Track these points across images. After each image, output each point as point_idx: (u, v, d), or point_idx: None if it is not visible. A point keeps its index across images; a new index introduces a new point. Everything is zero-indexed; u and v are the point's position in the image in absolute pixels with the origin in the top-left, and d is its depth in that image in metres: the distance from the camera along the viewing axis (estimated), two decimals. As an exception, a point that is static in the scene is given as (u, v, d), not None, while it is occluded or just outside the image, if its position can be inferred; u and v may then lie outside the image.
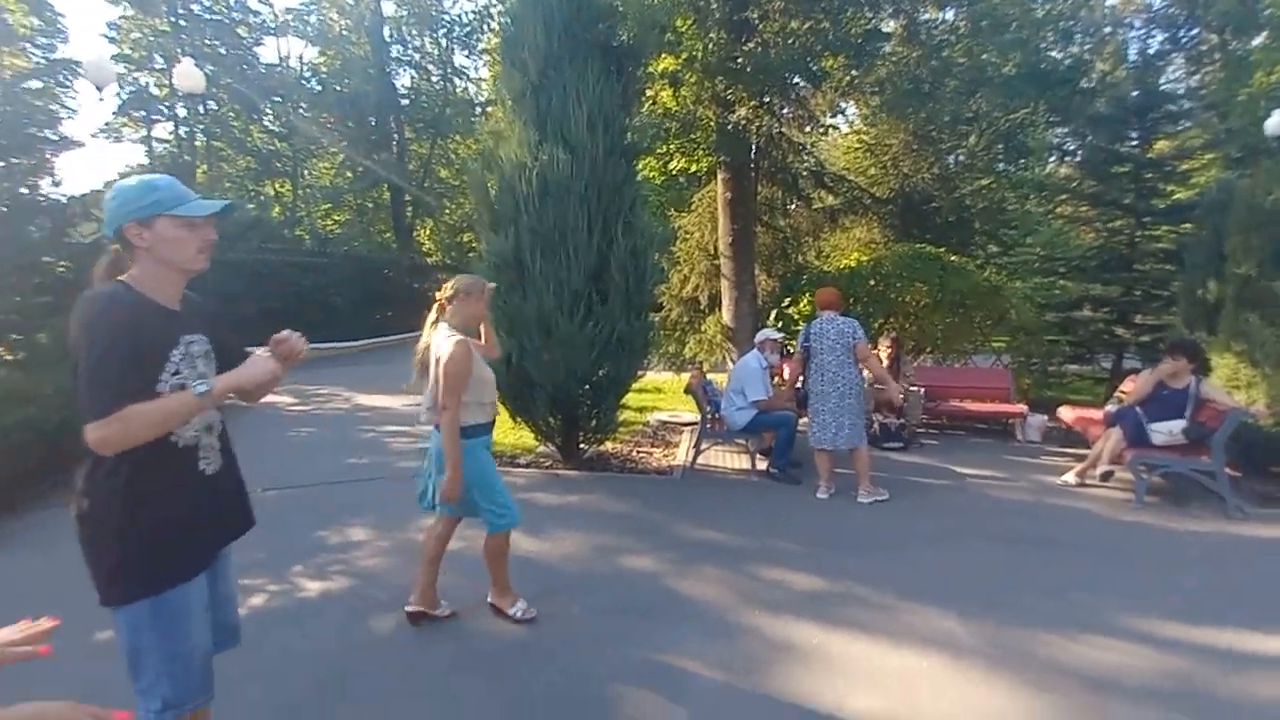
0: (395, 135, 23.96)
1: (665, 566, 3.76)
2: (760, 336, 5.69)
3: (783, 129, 8.55)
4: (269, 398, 7.78)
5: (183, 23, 22.33)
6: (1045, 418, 6.78)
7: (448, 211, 27.19)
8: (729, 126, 7.05)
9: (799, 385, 5.59)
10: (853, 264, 8.18)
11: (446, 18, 23.71)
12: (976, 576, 3.64)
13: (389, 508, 4.63)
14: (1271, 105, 14.67)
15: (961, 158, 11.22)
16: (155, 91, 22.43)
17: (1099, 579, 3.66)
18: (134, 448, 1.42)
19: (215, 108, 22.52)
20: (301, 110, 24.09)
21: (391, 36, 23.37)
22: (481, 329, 3.19)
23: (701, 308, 9.13)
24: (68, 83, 17.34)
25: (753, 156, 7.68)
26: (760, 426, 5.46)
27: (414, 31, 23.89)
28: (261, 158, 24.71)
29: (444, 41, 24.27)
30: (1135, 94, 9.10)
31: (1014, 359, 8.12)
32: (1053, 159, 19.17)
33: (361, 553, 3.93)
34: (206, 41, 22.23)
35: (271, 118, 24.37)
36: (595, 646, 2.90)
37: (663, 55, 6.78)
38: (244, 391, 1.62)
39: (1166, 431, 4.77)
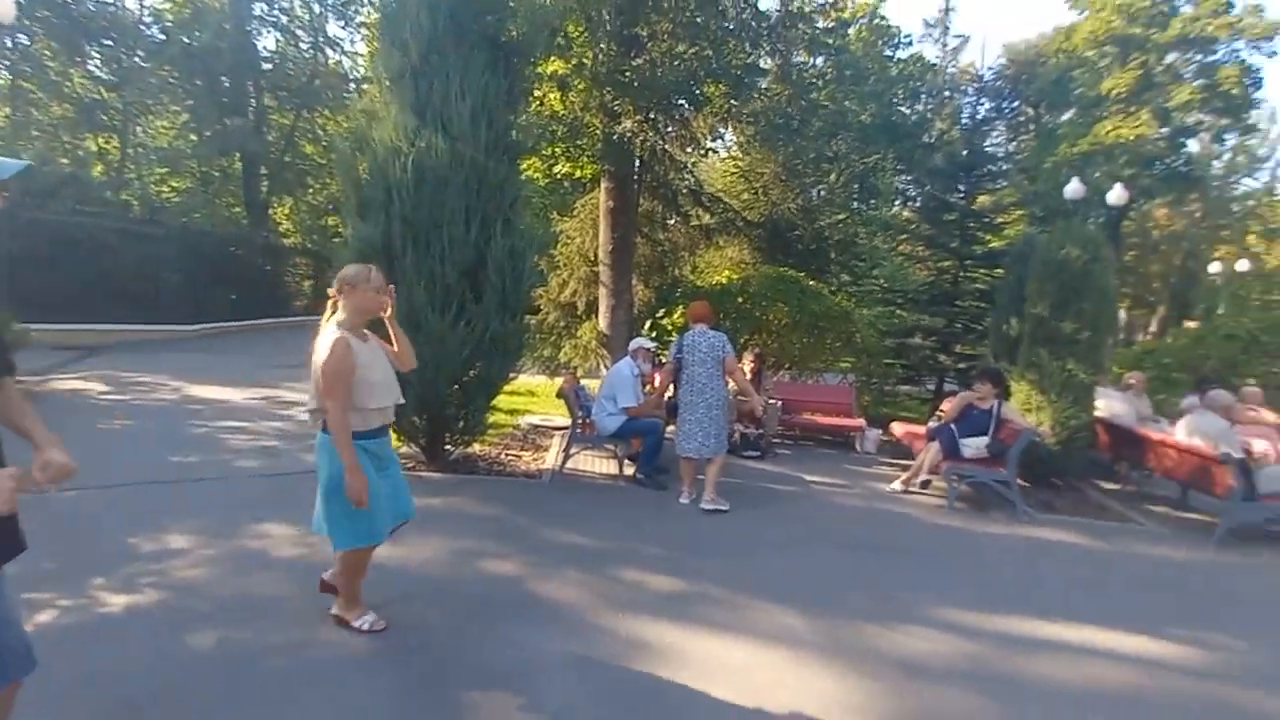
0: (253, 100, 21.71)
1: (527, 570, 3.73)
2: (634, 345, 5.83)
3: (666, 146, 8.84)
4: (75, 384, 6.74)
5: (-18, -65, 18.78)
6: (880, 432, 7.57)
7: (311, 191, 25.06)
8: (615, 137, 7.18)
9: (669, 394, 5.80)
10: (724, 281, 8.64)
11: (321, -18, 21.94)
12: (817, 576, 3.98)
13: (217, 511, 4.18)
14: (1072, 173, 17.53)
15: (823, 192, 12.28)
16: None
17: (916, 575, 4.14)
18: None
19: (27, 42, 19.12)
20: (138, 59, 21.09)
21: (254, -8, 21.20)
22: (391, 333, 2.92)
23: (579, 313, 9.17)
24: None
25: (636, 169, 7.87)
26: (629, 433, 5.58)
27: (282, -9, 21.85)
28: (83, 107, 21.22)
29: (316, 7, 22.41)
30: (965, 152, 10.49)
31: (857, 378, 8.98)
32: (897, 202, 21.54)
33: (181, 562, 3.50)
34: (14, -38, 18.83)
35: (99, 63, 21.09)
36: (450, 652, 2.81)
37: (552, 58, 6.77)
38: None
39: (974, 446, 5.52)
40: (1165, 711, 2.82)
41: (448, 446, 5.55)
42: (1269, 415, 7.25)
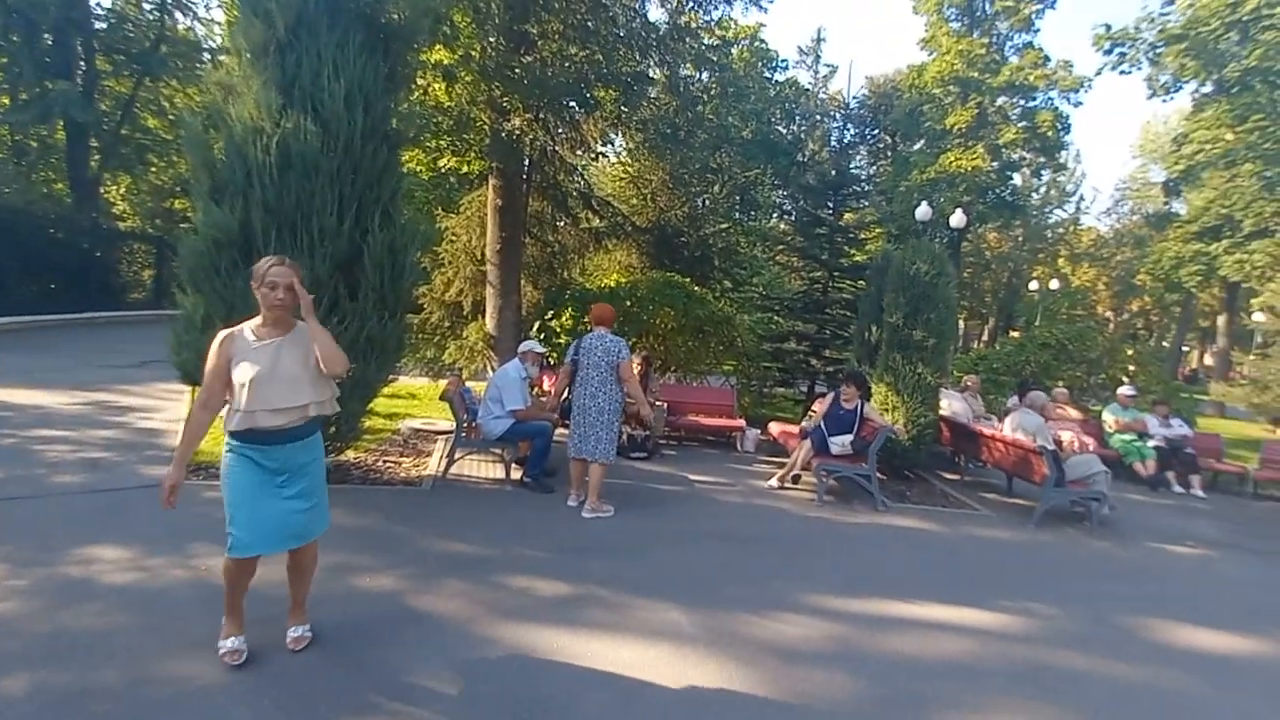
0: (83, 63, 18.90)
1: (405, 584, 3.54)
2: (524, 347, 5.72)
3: (556, 147, 8.79)
4: None
5: None
6: (759, 432, 7.99)
7: (154, 170, 22.28)
8: (503, 134, 7.03)
9: (564, 396, 5.74)
10: (612, 284, 8.71)
11: (168, -63, 19.58)
12: (700, 572, 4.11)
13: (29, 535, 3.60)
14: (921, 197, 19.48)
15: (707, 202, 12.78)
16: None
17: (789, 566, 4.41)
18: None
19: None
20: (-77, -1, 17.68)
21: (83, -62, 18.49)
22: (310, 332, 2.64)
23: (464, 313, 8.86)
24: None
25: (526, 168, 7.75)
26: (517, 436, 5.47)
27: (119, -59, 19.27)
28: None
29: (162, -36, 19.98)
30: (833, 172, 11.35)
31: (738, 380, 9.41)
32: (774, 215, 22.92)
33: (-21, 594, 2.98)
34: None
35: None
36: (319, 680, 2.60)
37: (437, 46, 6.50)
38: None
39: (840, 444, 5.98)
40: (1000, 676, 3.21)
41: (316, 454, 5.13)
42: (1074, 412, 8.51)
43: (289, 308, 2.64)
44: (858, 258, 10.99)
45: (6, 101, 18.46)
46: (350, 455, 5.72)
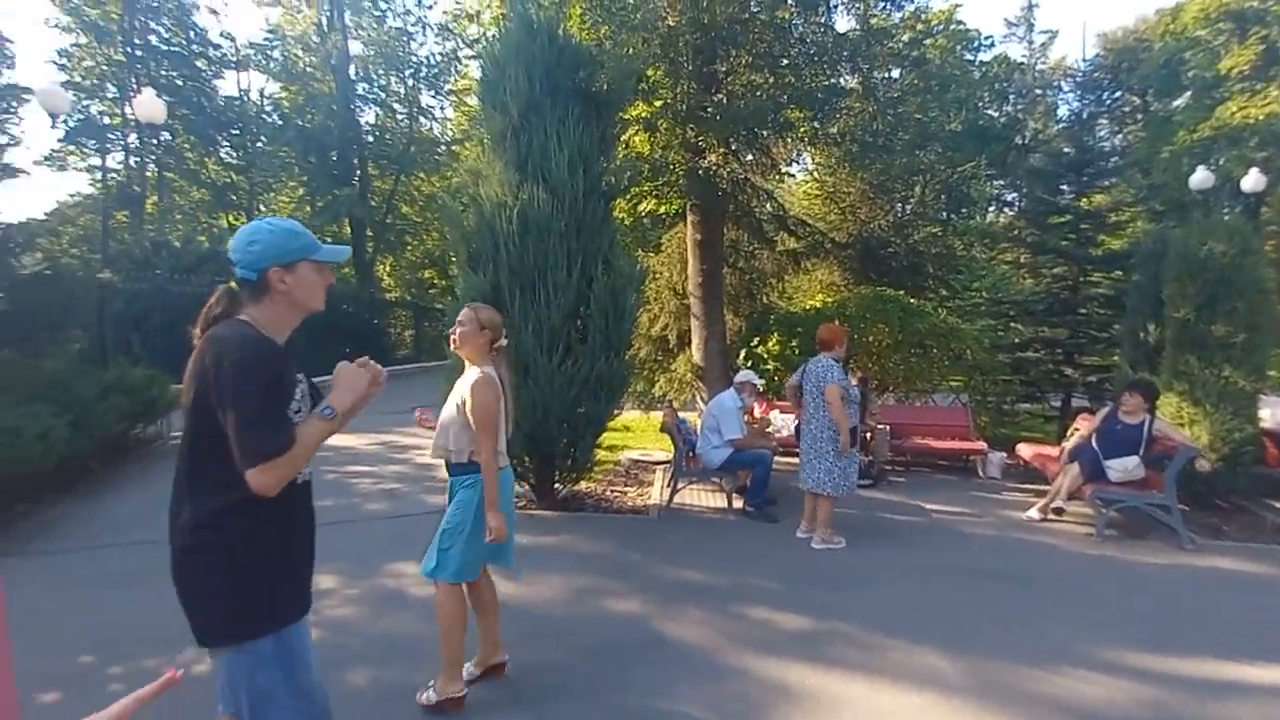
0: (358, 171, 23.78)
1: (648, 608, 3.70)
2: (741, 378, 5.73)
3: (748, 175, 8.88)
4: None
5: (139, 53, 21.91)
6: (1004, 455, 7.04)
7: (409, 248, 26.94)
8: (699, 171, 7.29)
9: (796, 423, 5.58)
10: (818, 305, 8.44)
11: (414, 59, 23.93)
12: (956, 612, 3.70)
13: (354, 553, 4.43)
14: (1195, 161, 16.06)
15: (911, 207, 11.86)
16: (106, 120, 21.79)
17: (1069, 611, 3.77)
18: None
19: (170, 138, 21.98)
20: (261, 144, 23.73)
21: (357, 74, 23.42)
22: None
23: (670, 346, 9.22)
24: (11, 109, 16.75)
25: (721, 200, 7.93)
26: (736, 465, 5.49)
27: (380, 71, 24.01)
28: (216, 190, 24.11)
29: (410, 81, 24.43)
30: (1069, 151, 9.83)
31: (971, 397, 8.44)
32: (992, 209, 20.46)
33: (330, 601, 3.73)
34: (163, 72, 21.82)
35: (229, 150, 23.93)
36: (585, 693, 2.81)
37: (637, 102, 7.01)
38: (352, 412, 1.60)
39: (1122, 468, 5.01)
40: None
41: (556, 485, 5.66)
42: None
43: (458, 346, 2.73)
44: (1114, 245, 9.33)
45: (310, 209, 23.78)
46: (584, 486, 6.19)
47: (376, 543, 4.70)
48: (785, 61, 7.57)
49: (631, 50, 6.39)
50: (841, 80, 8.12)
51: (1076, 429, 5.88)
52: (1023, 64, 24.66)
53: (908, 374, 8.14)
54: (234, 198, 24.66)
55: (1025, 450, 6.56)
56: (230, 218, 25.34)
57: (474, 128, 22.14)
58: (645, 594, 3.89)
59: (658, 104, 7.19)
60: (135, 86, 19.29)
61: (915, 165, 9.16)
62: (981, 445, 7.08)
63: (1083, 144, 9.78)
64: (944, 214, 12.86)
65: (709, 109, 7.11)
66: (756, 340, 8.03)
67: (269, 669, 1.49)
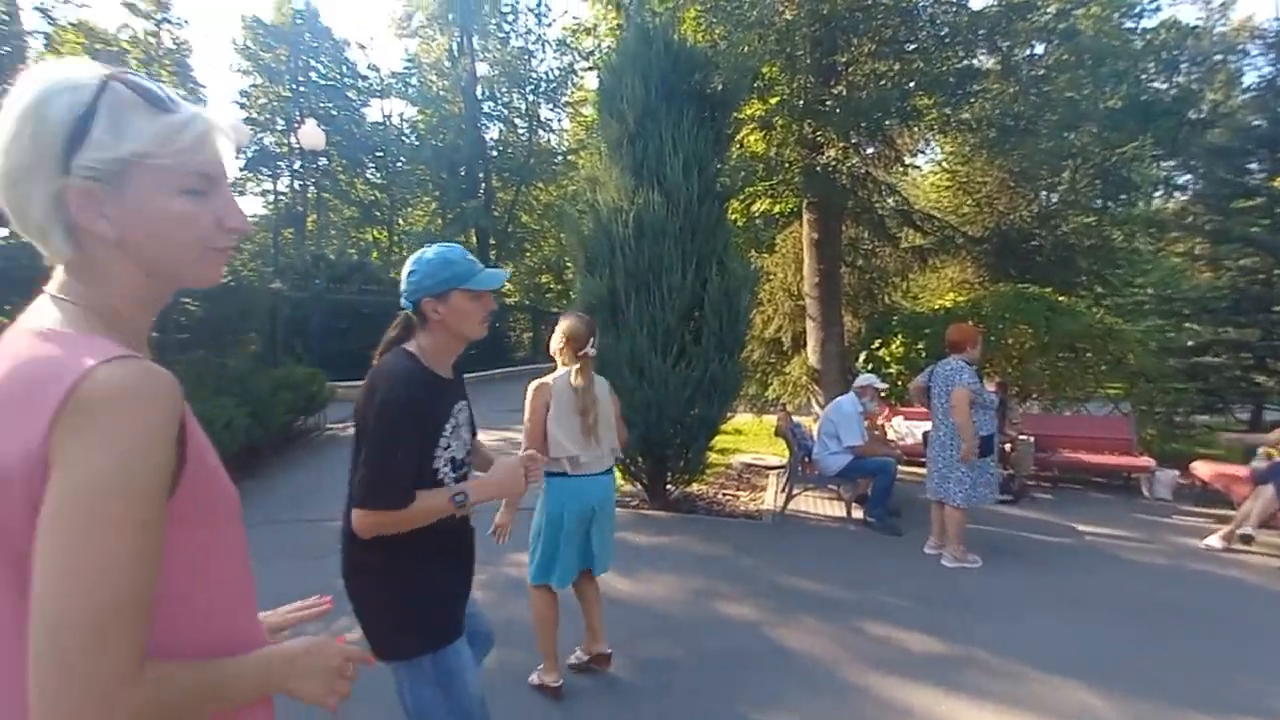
0: (483, 184, 25.38)
1: (764, 615, 3.63)
2: (862, 381, 5.45)
3: (869, 169, 8.46)
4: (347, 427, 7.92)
5: (302, 88, 24.83)
6: (1176, 473, 6.17)
7: (528, 254, 28.33)
8: (817, 168, 7.05)
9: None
10: (948, 305, 7.86)
11: (534, 75, 25.18)
12: (1114, 648, 3.30)
13: (482, 541, 4.70)
14: None
15: (1058, 195, 10.70)
16: (276, 150, 24.88)
17: (1258, 657, 3.23)
18: None
19: (326, 163, 24.67)
20: (400, 164, 26.02)
21: (483, 94, 25.03)
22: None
23: (785, 349, 8.99)
24: (205, 145, 19.47)
25: (840, 197, 7.61)
26: (856, 472, 5.24)
27: (504, 89, 25.49)
28: (363, 207, 26.77)
29: (530, 97, 25.73)
30: (1259, 123, 8.44)
31: (1134, 407, 7.46)
32: (1159, 194, 18.00)
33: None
34: (321, 104, 24.56)
35: (374, 170, 26.48)
36: (692, 695, 2.80)
37: (752, 100, 6.91)
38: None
39: (1335, 492, 4.22)
40: None
41: (669, 485, 5.70)
42: None
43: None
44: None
45: (441, 221, 25.70)
46: (695, 488, 6.18)
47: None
48: (912, 46, 7.14)
49: (747, 48, 6.32)
50: (977, 61, 7.52)
51: (1273, 447, 5.01)
52: (1197, 28, 21.54)
53: (1055, 380, 7.36)
54: (378, 214, 27.26)
55: (1204, 469, 5.71)
56: (375, 231, 28.02)
57: (590, 137, 22.93)
58: (760, 600, 3.81)
59: (773, 101, 7.04)
60: (299, 118, 21.88)
61: (1064, 149, 8.25)
62: (1148, 461, 6.25)
63: (1276, 115, 8.35)
64: (1099, 201, 11.49)
65: (827, 102, 6.86)
66: (878, 342, 7.62)
67: (428, 687, 1.55)
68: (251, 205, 26.40)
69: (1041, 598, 3.92)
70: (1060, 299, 7.45)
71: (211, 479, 0.76)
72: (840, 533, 5.22)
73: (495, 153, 25.65)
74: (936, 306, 8.19)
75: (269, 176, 25.45)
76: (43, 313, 0.71)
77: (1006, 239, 9.14)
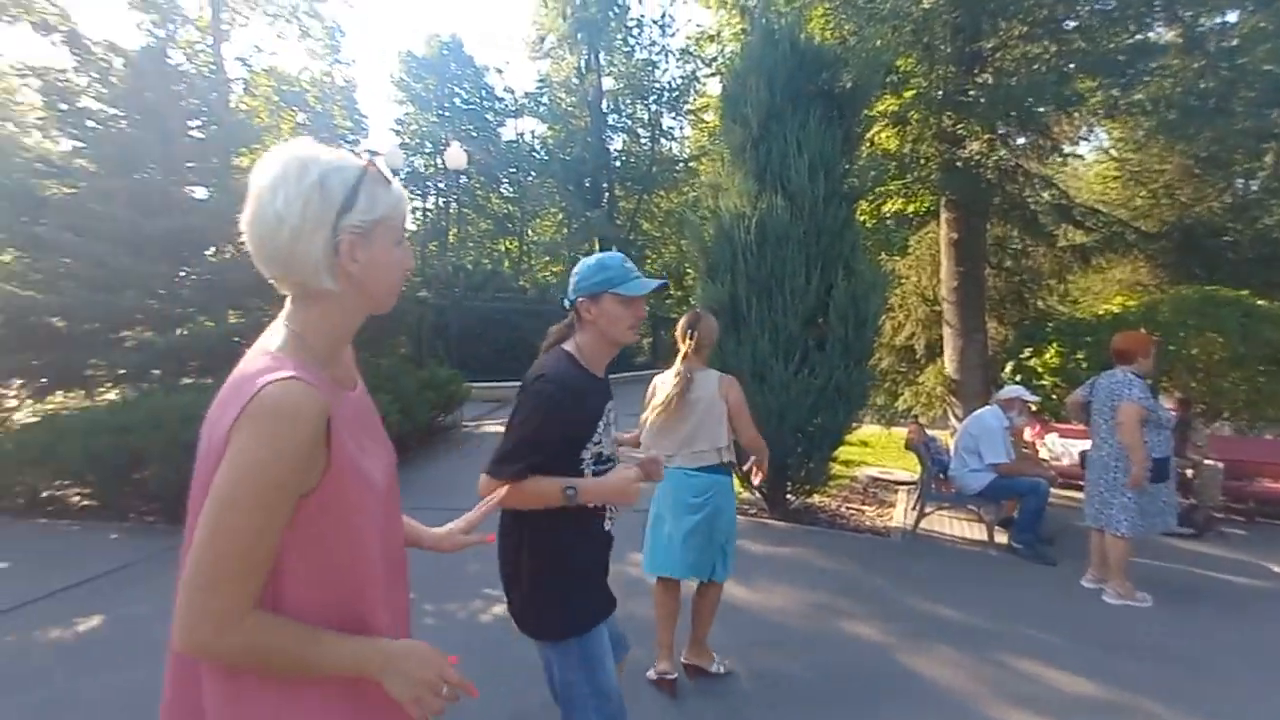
0: (606, 193, 26.22)
1: (891, 638, 3.43)
2: (1009, 393, 4.96)
3: (1019, 161, 7.74)
4: (498, 428, 8.47)
5: (446, 113, 27.08)
6: None
7: (649, 261, 28.82)
8: (958, 163, 6.56)
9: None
10: (1115, 309, 6.97)
11: (657, 85, 25.65)
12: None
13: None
14: None
15: (1261, 181, 9.13)
16: (423, 171, 27.33)
17: None
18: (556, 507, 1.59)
19: (465, 180, 26.71)
20: (530, 177, 27.56)
21: (608, 107, 25.88)
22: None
23: (917, 357, 8.44)
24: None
25: (984, 193, 7.01)
26: (1001, 493, 4.81)
27: (628, 100, 26.20)
28: (497, 220, 28.66)
29: (654, 106, 26.22)
30: None
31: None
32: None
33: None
34: (463, 127, 26.63)
35: (507, 185, 28.27)
36: (814, 711, 2.70)
37: (884, 96, 6.58)
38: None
39: None
40: None
41: (789, 495, 5.55)
42: None
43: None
44: None
45: (566, 231, 26.86)
46: (816, 499, 5.97)
47: (623, 533, 5.09)
48: (1072, 24, 6.45)
49: (880, 41, 6.02)
50: (1152, 35, 6.65)
51: None
52: None
53: (1252, 398, 6.29)
54: (510, 225, 29.05)
55: None
56: (506, 242, 29.89)
57: (712, 143, 22.96)
58: (888, 622, 3.61)
59: (909, 95, 6.65)
60: (445, 141, 23.87)
61: (1266, 129, 7.02)
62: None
63: None
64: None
65: (971, 92, 6.37)
66: (1029, 351, 6.92)
67: (572, 668, 1.63)
68: (403, 221, 29.10)
69: (1229, 648, 3.38)
70: (1260, 303, 6.37)
71: (357, 482, 0.93)
72: (980, 557, 4.81)
73: (618, 163, 26.39)
74: (1101, 312, 7.28)
75: (418, 195, 27.98)
76: (273, 332, 0.96)
77: (1191, 234, 7.94)
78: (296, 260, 0.91)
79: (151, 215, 5.74)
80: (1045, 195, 8.39)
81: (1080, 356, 6.49)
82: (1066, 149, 8.39)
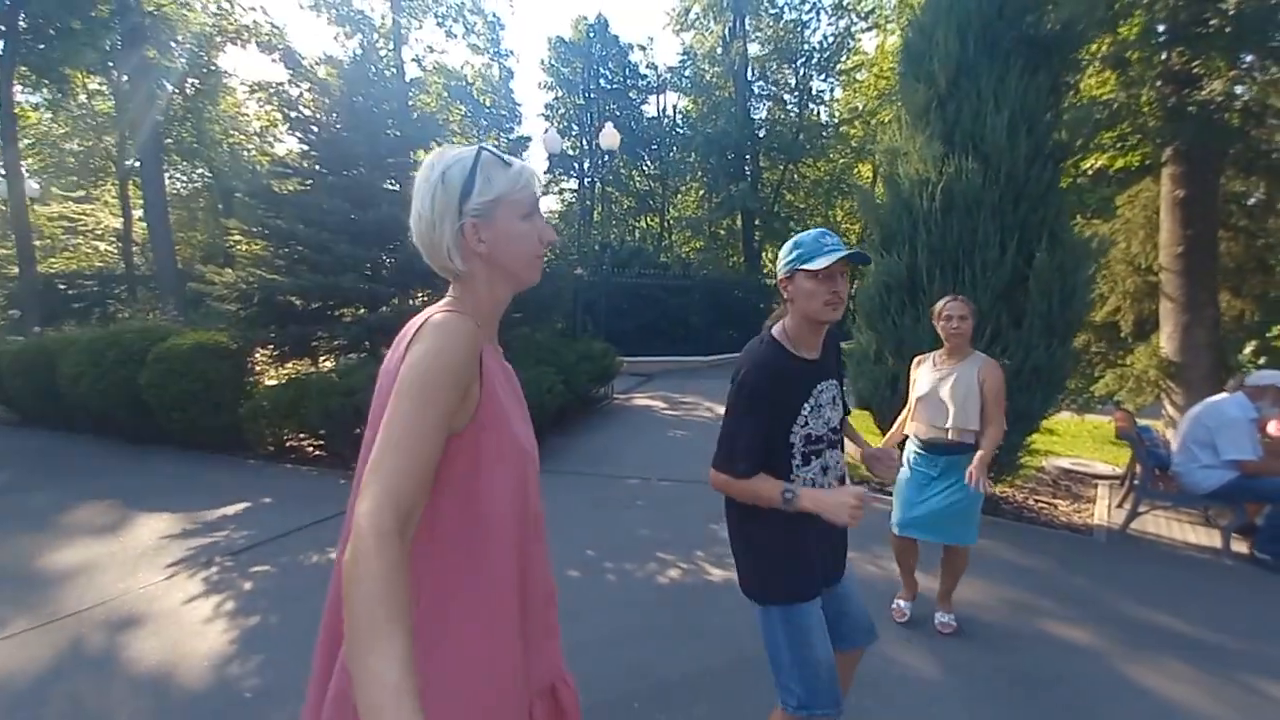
0: (749, 165, 25.59)
1: (1107, 645, 3.11)
2: (1264, 379, 4.19)
3: (1268, 100, 6.41)
4: (646, 401, 8.79)
5: (592, 95, 27.80)
6: None
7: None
8: (1189, 106, 5.57)
9: None
10: None
11: (806, 46, 24.38)
12: None
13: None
14: None
15: None
16: (571, 153, 28.38)
17: None
18: None
19: (610, 159, 27.34)
20: (673, 153, 27.58)
21: (753, 74, 25.08)
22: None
23: (1122, 335, 7.40)
24: (520, 154, 23.12)
25: (1224, 139, 5.88)
26: (1243, 494, 4.13)
27: (774, 65, 25.20)
28: (639, 197, 29.09)
29: (802, 70, 25.00)
30: None
31: None
32: None
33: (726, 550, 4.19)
34: (608, 107, 27.21)
35: (648, 163, 28.54)
36: (1021, 708, 2.53)
37: (1099, 36, 5.72)
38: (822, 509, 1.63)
39: None
40: None
41: (970, 484, 5.16)
42: None
43: (964, 336, 3.01)
44: None
45: (708, 206, 26.60)
46: (1002, 489, 5.51)
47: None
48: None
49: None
50: None
51: None
52: None
53: None
54: (651, 202, 29.37)
55: None
56: (648, 219, 30.30)
57: (871, 101, 21.41)
58: (1100, 627, 3.28)
59: (1129, 32, 5.73)
60: (591, 122, 24.57)
61: None
62: None
63: None
64: None
65: (1211, 20, 5.35)
66: (1277, 329, 5.79)
67: (776, 633, 1.74)
68: (551, 203, 30.61)
69: None
70: None
71: (501, 424, 1.04)
72: (1211, 566, 4.18)
73: (763, 132, 25.57)
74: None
75: (564, 176, 29.16)
76: (438, 308, 1.09)
77: None
78: (435, 248, 1.06)
79: (362, 207, 6.52)
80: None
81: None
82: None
